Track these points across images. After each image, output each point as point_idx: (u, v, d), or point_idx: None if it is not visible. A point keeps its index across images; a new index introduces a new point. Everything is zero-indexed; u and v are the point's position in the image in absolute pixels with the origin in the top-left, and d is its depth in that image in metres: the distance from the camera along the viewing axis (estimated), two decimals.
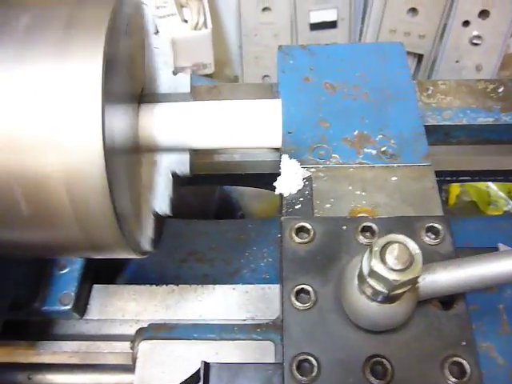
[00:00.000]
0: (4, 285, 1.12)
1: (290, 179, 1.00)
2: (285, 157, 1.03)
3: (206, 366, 0.85)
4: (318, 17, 2.25)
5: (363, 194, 1.03)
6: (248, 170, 1.30)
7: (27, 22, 0.80)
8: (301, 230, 0.90)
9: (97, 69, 0.74)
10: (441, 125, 1.24)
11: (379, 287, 0.70)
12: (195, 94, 1.09)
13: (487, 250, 0.88)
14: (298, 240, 0.89)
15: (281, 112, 1.00)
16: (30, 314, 1.24)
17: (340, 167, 1.07)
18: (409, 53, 2.20)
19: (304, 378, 0.77)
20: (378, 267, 0.68)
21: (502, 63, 2.26)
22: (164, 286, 1.30)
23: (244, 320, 1.22)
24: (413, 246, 0.70)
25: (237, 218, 1.98)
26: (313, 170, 1.05)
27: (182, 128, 0.98)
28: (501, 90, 1.29)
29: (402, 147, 1.09)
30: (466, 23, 2.18)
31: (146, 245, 0.98)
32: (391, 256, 0.69)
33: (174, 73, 1.06)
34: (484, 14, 2.16)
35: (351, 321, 0.80)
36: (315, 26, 2.28)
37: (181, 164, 1.04)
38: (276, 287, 1.25)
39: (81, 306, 1.26)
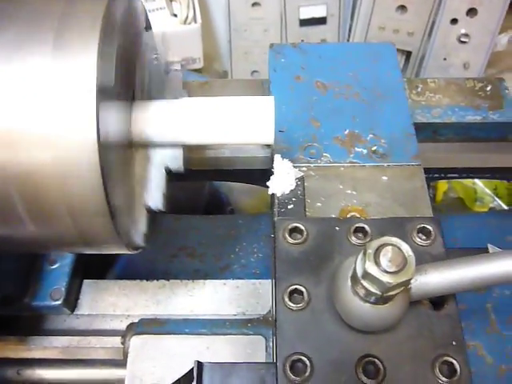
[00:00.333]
0: None
1: (283, 179, 1.01)
2: (277, 157, 1.04)
3: (200, 365, 0.85)
4: (307, 13, 2.26)
5: (354, 193, 1.04)
6: (238, 165, 1.30)
7: (20, 18, 0.79)
8: (294, 231, 0.91)
9: (91, 65, 0.74)
10: (430, 122, 1.26)
11: (373, 289, 0.71)
12: (186, 90, 1.09)
13: (477, 250, 0.90)
14: (291, 241, 0.89)
15: (273, 108, 1.00)
16: (21, 309, 1.22)
17: (331, 166, 1.08)
18: (397, 50, 2.19)
19: (297, 378, 0.77)
20: (372, 269, 0.69)
21: (489, 61, 2.28)
22: (155, 281, 1.29)
23: (235, 315, 1.21)
24: (406, 249, 0.70)
25: (226, 213, 1.98)
26: (304, 168, 1.06)
27: (175, 124, 0.98)
28: (489, 88, 1.31)
29: (392, 147, 1.10)
30: (454, 21, 2.20)
31: (139, 240, 0.98)
32: (385, 258, 0.69)
33: (166, 70, 1.06)
34: (472, 12, 2.18)
35: (344, 321, 0.81)
36: (305, 22, 2.29)
37: (174, 159, 1.03)
38: (266, 282, 1.25)
39: (71, 301, 1.25)
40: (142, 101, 1.00)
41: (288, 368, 0.78)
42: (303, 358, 0.79)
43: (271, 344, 1.07)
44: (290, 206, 1.00)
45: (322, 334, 0.81)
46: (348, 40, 2.32)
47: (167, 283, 1.29)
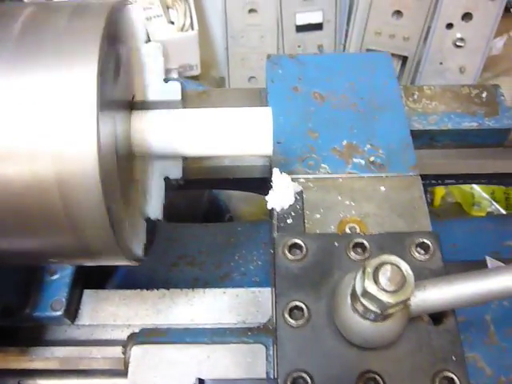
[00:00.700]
0: None
1: (282, 194, 1.01)
2: (276, 171, 1.04)
3: (201, 383, 0.86)
4: (303, 19, 2.26)
5: (352, 204, 1.04)
6: (237, 174, 1.30)
7: (21, 30, 0.80)
8: (293, 247, 0.92)
9: (91, 77, 0.74)
10: (426, 129, 1.27)
11: (372, 307, 0.72)
12: (184, 99, 1.09)
13: (475, 263, 0.91)
14: (290, 257, 0.90)
15: (271, 119, 1.01)
16: (21, 320, 1.23)
17: (329, 177, 1.09)
18: (393, 55, 2.20)
19: None
20: (372, 288, 0.70)
21: (485, 65, 2.28)
22: (155, 290, 1.29)
23: (235, 324, 1.22)
24: (405, 267, 0.71)
25: (225, 220, 1.98)
26: (302, 180, 1.07)
27: (174, 135, 0.98)
28: (484, 95, 1.32)
29: (390, 157, 1.10)
30: (450, 26, 2.20)
31: (140, 251, 0.98)
32: (384, 277, 0.70)
33: (165, 80, 1.06)
34: (467, 16, 2.18)
35: (344, 337, 0.81)
36: (301, 28, 2.28)
37: (173, 169, 1.04)
38: (266, 291, 1.25)
39: (72, 311, 1.25)
40: (141, 111, 1.00)
41: None
42: (304, 374, 0.79)
43: (271, 352, 1.08)
44: (289, 221, 1.00)
45: (322, 351, 0.82)
46: (344, 45, 2.32)
47: (167, 292, 1.29)
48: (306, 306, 0.85)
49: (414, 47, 2.26)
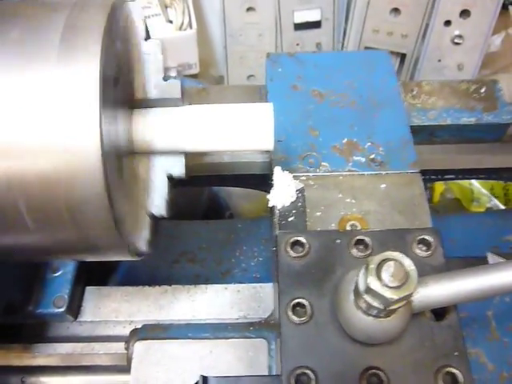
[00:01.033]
0: None
1: (283, 192, 1.02)
2: (277, 169, 1.05)
3: (204, 379, 0.86)
4: (302, 17, 2.26)
5: (353, 201, 1.05)
6: (237, 170, 1.31)
7: (24, 29, 0.80)
8: (296, 244, 0.91)
9: (94, 74, 0.75)
10: (426, 125, 1.28)
11: (375, 303, 0.73)
12: (184, 97, 1.09)
13: (476, 259, 0.91)
14: (293, 254, 0.90)
15: (273, 115, 1.00)
16: (24, 317, 1.23)
17: (330, 175, 1.09)
18: (392, 52, 2.20)
19: None
20: (375, 285, 0.71)
21: (483, 62, 2.28)
22: (157, 286, 1.30)
23: (237, 319, 1.23)
24: (408, 263, 0.72)
25: (225, 217, 1.99)
26: (303, 178, 1.07)
27: (175, 132, 0.98)
28: (483, 90, 1.32)
29: (390, 154, 1.11)
30: (448, 23, 2.19)
31: (143, 246, 0.98)
32: (387, 273, 0.71)
33: (165, 78, 1.06)
34: (465, 13, 2.18)
35: (347, 334, 0.82)
36: (299, 26, 2.28)
37: (176, 166, 1.04)
38: (267, 286, 1.26)
39: (74, 308, 1.26)
40: (142, 109, 1.01)
41: (293, 381, 0.79)
42: (308, 371, 0.79)
43: (273, 347, 1.08)
44: (290, 219, 1.01)
45: (325, 347, 0.82)
46: (343, 43, 2.31)
47: (169, 288, 1.30)
48: (309, 302, 0.85)
49: (412, 44, 2.26)
